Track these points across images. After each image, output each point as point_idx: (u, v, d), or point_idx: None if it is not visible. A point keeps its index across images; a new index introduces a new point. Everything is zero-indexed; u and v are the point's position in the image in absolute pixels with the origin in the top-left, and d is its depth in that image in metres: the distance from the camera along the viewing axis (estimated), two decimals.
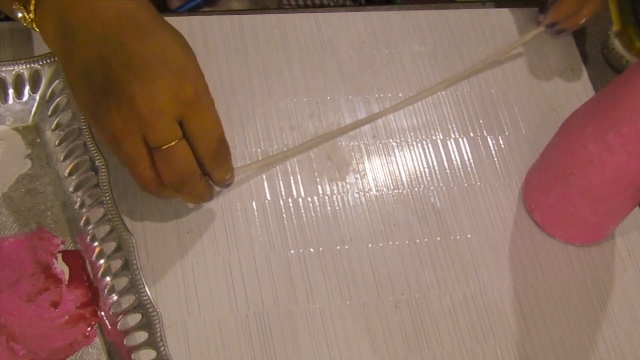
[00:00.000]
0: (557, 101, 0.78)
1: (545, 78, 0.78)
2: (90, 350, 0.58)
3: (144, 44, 0.54)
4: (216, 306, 0.63)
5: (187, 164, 0.57)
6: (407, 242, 0.68)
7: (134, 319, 0.58)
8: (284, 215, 0.67)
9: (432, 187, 0.71)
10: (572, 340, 0.67)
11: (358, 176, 0.71)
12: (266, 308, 0.63)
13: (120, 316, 0.58)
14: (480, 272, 0.68)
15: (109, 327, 0.59)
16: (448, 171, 0.72)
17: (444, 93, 0.76)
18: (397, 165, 0.72)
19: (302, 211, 0.68)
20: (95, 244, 0.60)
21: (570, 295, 0.69)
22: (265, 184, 0.68)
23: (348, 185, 0.70)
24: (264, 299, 0.64)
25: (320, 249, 0.67)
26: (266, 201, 0.67)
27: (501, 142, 0.75)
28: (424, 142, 0.73)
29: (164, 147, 0.55)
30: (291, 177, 0.69)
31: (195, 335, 0.61)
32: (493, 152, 0.74)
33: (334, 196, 0.69)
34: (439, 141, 0.74)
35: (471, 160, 0.73)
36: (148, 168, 0.56)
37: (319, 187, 0.69)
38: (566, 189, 0.67)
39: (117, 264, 0.59)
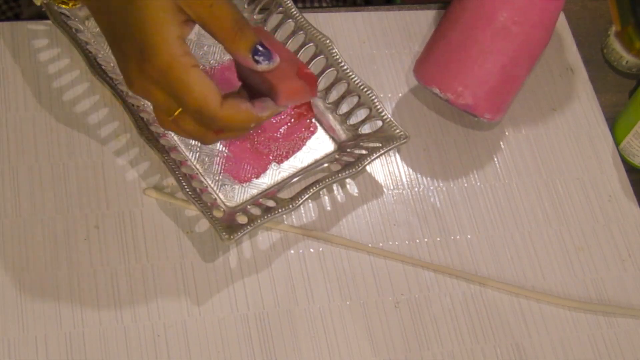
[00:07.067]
0: (557, 101, 0.78)
1: (545, 78, 0.78)
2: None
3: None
4: (216, 306, 0.63)
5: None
6: (407, 242, 0.68)
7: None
8: (284, 216, 0.67)
9: (432, 187, 0.71)
10: (572, 340, 0.67)
11: None
12: (266, 308, 0.63)
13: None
14: (480, 272, 0.68)
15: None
16: (448, 171, 0.72)
17: None
18: (397, 165, 0.72)
19: (302, 211, 0.68)
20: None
21: (570, 295, 0.69)
22: None
23: (348, 186, 0.70)
24: (264, 299, 0.64)
25: (320, 249, 0.67)
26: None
27: (501, 142, 0.75)
28: (423, 143, 0.73)
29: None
30: None
31: (195, 335, 0.61)
32: (493, 152, 0.74)
33: (334, 196, 0.69)
34: (438, 141, 0.74)
35: (471, 160, 0.73)
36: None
37: None
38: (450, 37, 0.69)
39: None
